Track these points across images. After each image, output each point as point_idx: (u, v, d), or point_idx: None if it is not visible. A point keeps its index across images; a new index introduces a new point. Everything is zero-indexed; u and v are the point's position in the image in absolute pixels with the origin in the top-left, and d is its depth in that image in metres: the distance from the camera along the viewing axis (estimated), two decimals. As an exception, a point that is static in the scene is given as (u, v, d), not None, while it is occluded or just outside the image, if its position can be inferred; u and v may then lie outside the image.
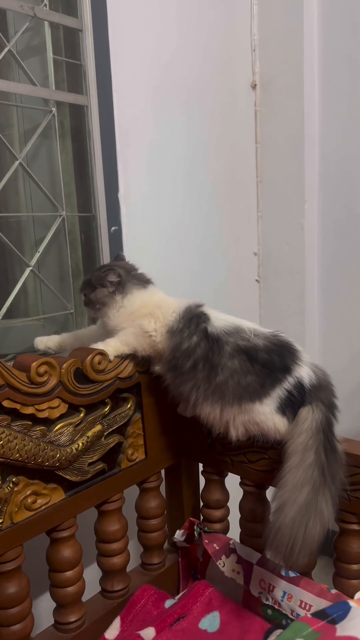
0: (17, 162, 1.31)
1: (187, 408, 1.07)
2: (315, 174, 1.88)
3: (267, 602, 1.06)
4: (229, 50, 1.83)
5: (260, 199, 1.99)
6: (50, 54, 1.35)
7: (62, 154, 1.42)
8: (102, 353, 1.06)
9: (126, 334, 1.09)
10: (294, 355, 0.99)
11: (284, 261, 1.95)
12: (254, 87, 1.93)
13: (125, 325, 1.09)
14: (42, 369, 0.96)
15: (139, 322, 1.08)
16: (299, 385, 0.97)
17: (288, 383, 0.97)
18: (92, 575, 1.16)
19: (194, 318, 1.04)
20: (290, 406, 0.98)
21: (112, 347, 1.09)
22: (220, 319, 1.04)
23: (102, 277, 1.10)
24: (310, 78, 1.83)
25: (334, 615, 0.83)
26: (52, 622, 1.08)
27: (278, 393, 0.97)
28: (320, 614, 0.84)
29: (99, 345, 1.07)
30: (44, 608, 1.19)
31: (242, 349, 0.98)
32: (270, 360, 0.97)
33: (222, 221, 1.86)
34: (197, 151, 1.73)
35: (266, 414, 0.99)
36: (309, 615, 0.85)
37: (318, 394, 0.98)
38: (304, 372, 0.98)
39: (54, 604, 1.08)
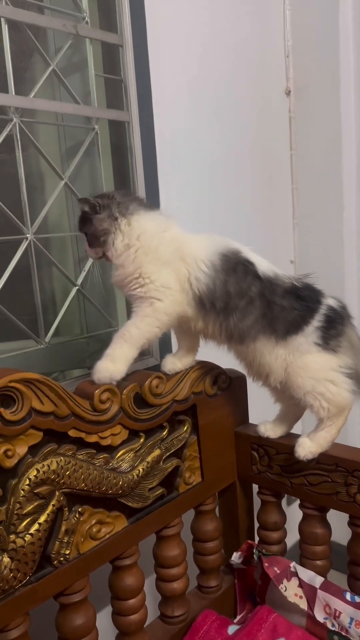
0: (62, 182, 1.30)
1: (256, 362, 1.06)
2: (353, 180, 1.84)
3: (333, 629, 1.04)
4: (262, 56, 1.80)
5: (296, 206, 1.96)
6: (92, 72, 1.33)
7: (104, 171, 1.41)
8: (160, 376, 1.04)
9: (131, 325, 0.98)
10: (318, 292, 1.06)
11: (322, 269, 1.90)
12: (288, 93, 1.90)
13: (146, 268, 0.98)
14: (105, 396, 0.94)
15: (175, 265, 1.01)
16: (332, 309, 1.04)
17: (323, 310, 1.03)
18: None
19: (239, 266, 1.02)
20: (331, 331, 1.03)
21: (110, 368, 0.96)
22: (263, 264, 1.04)
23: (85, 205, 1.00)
24: (347, 83, 1.79)
25: None
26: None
27: (315, 325, 1.02)
28: None
29: (96, 374, 0.95)
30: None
31: (288, 290, 1.03)
32: (308, 296, 1.04)
33: (257, 228, 1.83)
34: (232, 160, 1.71)
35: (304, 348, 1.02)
36: None
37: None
38: (331, 301, 1.05)
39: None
